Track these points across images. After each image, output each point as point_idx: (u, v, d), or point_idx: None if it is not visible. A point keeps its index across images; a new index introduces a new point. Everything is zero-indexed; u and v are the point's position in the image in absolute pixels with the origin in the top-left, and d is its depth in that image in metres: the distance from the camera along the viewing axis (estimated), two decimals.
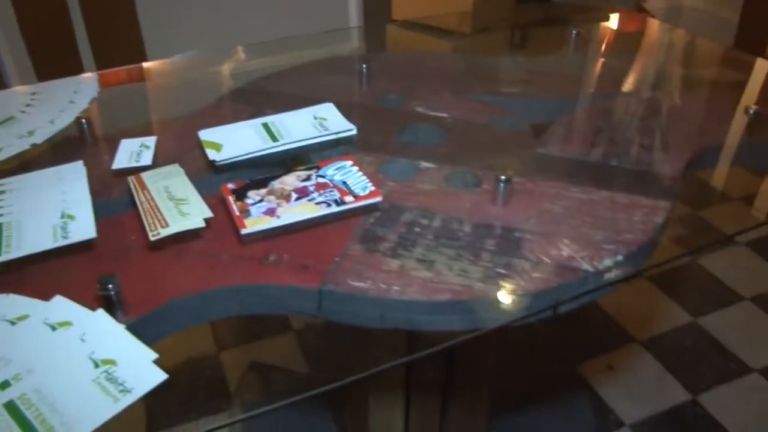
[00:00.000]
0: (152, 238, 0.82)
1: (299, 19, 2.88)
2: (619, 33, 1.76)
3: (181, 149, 1.07)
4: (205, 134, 1.06)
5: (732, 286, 2.02)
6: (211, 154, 1.01)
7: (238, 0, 2.73)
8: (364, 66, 1.37)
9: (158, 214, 0.86)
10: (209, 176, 0.99)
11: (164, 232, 0.82)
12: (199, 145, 1.06)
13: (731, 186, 1.49)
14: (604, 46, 1.62)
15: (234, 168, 1.01)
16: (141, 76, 1.50)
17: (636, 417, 1.60)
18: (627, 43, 1.69)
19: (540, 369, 1.74)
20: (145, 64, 1.55)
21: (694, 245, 1.50)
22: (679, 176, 1.01)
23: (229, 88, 1.37)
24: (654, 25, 1.83)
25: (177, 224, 0.84)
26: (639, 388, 1.67)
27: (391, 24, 2.79)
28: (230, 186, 0.91)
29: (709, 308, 1.93)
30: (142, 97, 1.40)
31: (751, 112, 1.18)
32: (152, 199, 0.89)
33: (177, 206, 0.87)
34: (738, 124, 1.19)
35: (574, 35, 1.62)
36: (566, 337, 1.82)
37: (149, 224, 0.84)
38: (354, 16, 2.97)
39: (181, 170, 0.97)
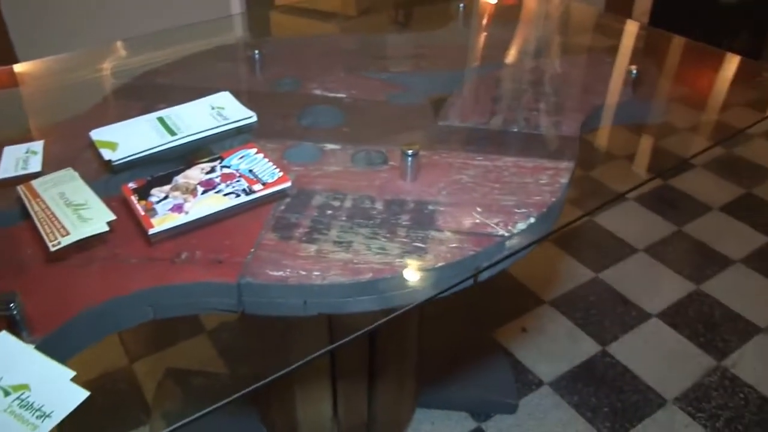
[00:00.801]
0: (53, 249, 0.77)
1: (179, 9, 2.78)
2: (500, 4, 1.80)
3: (73, 152, 1.01)
4: (98, 134, 1.01)
5: (626, 239, 2.12)
6: (107, 154, 0.96)
7: None
8: (255, 52, 1.34)
9: (56, 222, 0.81)
10: (107, 177, 0.94)
11: (65, 241, 0.78)
12: (92, 146, 1.00)
13: (617, 145, 1.56)
14: (487, 18, 1.65)
15: (132, 166, 0.96)
16: (13, 79, 1.41)
17: (553, 375, 1.66)
18: (509, 13, 1.74)
19: (459, 338, 1.77)
20: (17, 67, 1.45)
21: (590, 205, 1.57)
22: (575, 137, 1.04)
23: (115, 85, 1.31)
24: None
25: (78, 231, 0.79)
26: (553, 347, 1.74)
27: (274, 10, 2.75)
28: (131, 185, 0.87)
29: (608, 262, 2.02)
30: (19, 102, 1.31)
31: (633, 73, 1.24)
32: (47, 207, 0.84)
33: (76, 212, 0.83)
34: (621, 84, 1.24)
35: (461, 8, 1.64)
36: (480, 305, 1.86)
37: (47, 234, 0.79)
38: (236, 2, 2.90)
39: (75, 174, 0.92)
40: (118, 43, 1.56)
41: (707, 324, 1.80)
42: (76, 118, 1.16)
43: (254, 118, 1.05)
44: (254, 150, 0.93)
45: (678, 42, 1.63)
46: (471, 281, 0.80)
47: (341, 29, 2.37)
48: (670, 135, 1.35)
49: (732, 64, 1.50)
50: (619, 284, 1.93)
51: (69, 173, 0.92)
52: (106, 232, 0.81)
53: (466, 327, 1.81)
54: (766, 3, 2.85)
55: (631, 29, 1.73)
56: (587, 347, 1.73)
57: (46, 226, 0.81)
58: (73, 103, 1.26)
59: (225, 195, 0.84)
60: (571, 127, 1.07)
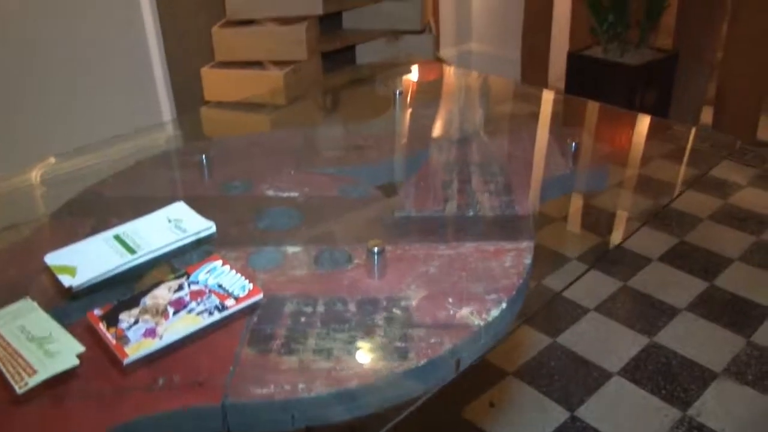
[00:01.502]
0: (20, 391, 0.74)
1: (111, 119, 2.77)
2: (430, 85, 1.87)
3: (26, 279, 0.98)
4: (53, 258, 0.98)
5: (575, 300, 2.16)
6: (66, 280, 0.93)
7: (39, 107, 2.58)
8: (202, 156, 1.34)
9: (21, 360, 0.78)
10: (68, 304, 0.92)
11: (33, 381, 0.75)
12: (47, 270, 0.97)
13: (563, 211, 1.61)
14: (421, 101, 1.71)
15: (93, 290, 0.94)
16: None
17: None
18: (440, 93, 1.80)
19: (428, 421, 1.75)
20: None
21: (539, 270, 1.60)
22: (528, 215, 1.08)
23: (59, 201, 1.28)
24: (459, 74, 1.96)
25: (46, 368, 0.76)
26: (523, 419, 1.74)
27: (205, 107, 2.76)
28: (97, 312, 0.85)
29: (563, 326, 2.06)
30: None
31: (570, 144, 1.29)
32: (9, 344, 0.81)
33: (41, 347, 0.80)
34: (560, 156, 1.30)
35: (397, 95, 1.68)
36: (445, 384, 1.85)
37: (12, 375, 0.76)
38: (165, 103, 2.91)
39: (34, 304, 0.89)
40: (51, 159, 1.54)
41: (666, 376, 1.84)
42: (24, 240, 1.13)
43: (213, 228, 1.04)
44: (220, 262, 0.93)
45: (597, 108, 1.71)
46: (452, 374, 0.80)
47: (272, 120, 2.41)
48: (607, 196, 1.41)
49: (645, 123, 1.60)
50: (577, 346, 1.96)
51: (27, 304, 0.89)
52: (76, 365, 0.78)
53: (435, 408, 1.80)
54: (667, 63, 3.04)
55: (555, 99, 1.82)
56: (557, 414, 1.73)
57: (9, 366, 0.78)
58: (14, 225, 1.23)
59: (197, 314, 0.83)
60: (523, 206, 1.10)
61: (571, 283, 1.08)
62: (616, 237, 1.98)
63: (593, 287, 2.22)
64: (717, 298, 2.16)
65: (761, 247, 2.41)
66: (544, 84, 3.72)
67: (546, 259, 1.09)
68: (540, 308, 0.94)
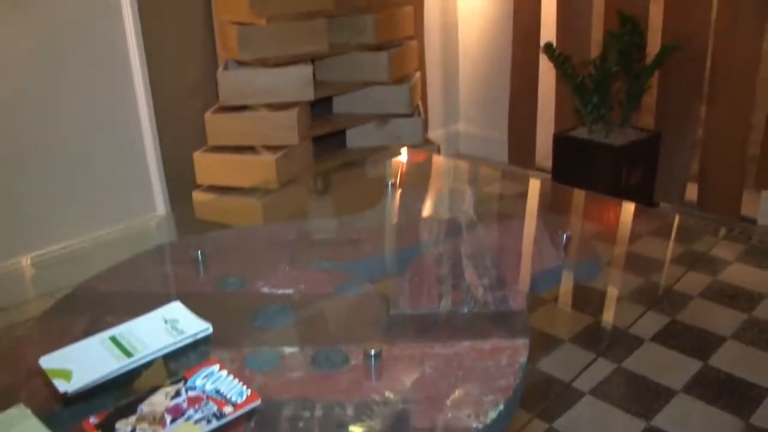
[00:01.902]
0: None
1: (99, 199, 2.79)
2: (420, 175, 1.91)
3: (18, 383, 0.98)
4: (49, 361, 0.98)
5: (571, 382, 2.15)
6: (61, 385, 0.93)
7: (32, 194, 2.60)
8: (198, 252, 1.35)
9: None
10: (62, 411, 0.91)
11: None
12: (41, 373, 0.97)
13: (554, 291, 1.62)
14: (412, 192, 1.74)
15: (89, 395, 0.93)
16: None
17: None
18: (430, 184, 1.83)
19: None
20: None
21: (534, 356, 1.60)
22: (522, 310, 1.09)
23: (52, 296, 1.29)
24: (448, 163, 2.01)
25: None
26: None
27: (197, 190, 2.80)
28: (92, 420, 0.84)
29: (558, 410, 2.04)
30: None
31: (564, 237, 1.32)
32: None
33: None
34: (552, 248, 1.32)
35: (389, 185, 1.72)
36: None
37: None
38: (157, 184, 2.94)
39: (28, 411, 0.88)
40: (44, 248, 1.55)
41: None
42: (19, 338, 1.13)
43: (210, 330, 1.05)
44: (217, 367, 0.93)
45: (584, 196, 1.75)
46: None
47: (266, 205, 2.44)
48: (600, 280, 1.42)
49: (631, 209, 1.64)
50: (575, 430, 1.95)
51: (20, 411, 0.89)
52: None
53: None
54: (650, 142, 3.11)
55: (545, 186, 1.86)
56: None
57: None
58: (11, 321, 1.23)
59: (195, 422, 0.83)
60: (517, 300, 1.12)
61: (579, 374, 1.09)
62: (608, 317, 2.00)
63: (588, 369, 2.21)
64: (712, 379, 2.15)
65: (753, 324, 2.42)
66: (531, 163, 3.79)
67: (540, 342, 1.10)
68: (542, 408, 0.94)
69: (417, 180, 1.79)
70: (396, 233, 1.44)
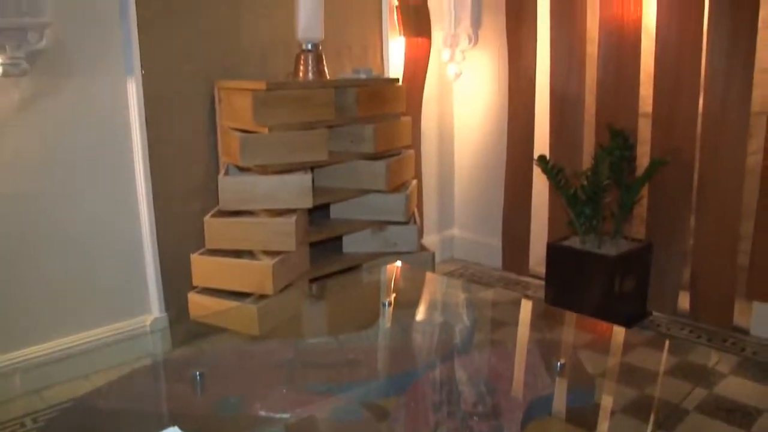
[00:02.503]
0: None
1: (98, 296, 2.80)
2: (416, 295, 1.93)
3: None
4: None
5: None
6: None
7: (28, 291, 2.61)
8: (196, 373, 1.35)
9: None
10: None
11: None
12: None
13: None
14: (408, 313, 1.76)
15: None
16: None
17: None
18: (426, 304, 1.86)
19: None
20: None
21: None
22: None
23: (53, 411, 1.28)
24: (442, 281, 2.04)
25: None
26: None
27: (192, 292, 2.81)
28: None
29: None
30: None
31: (558, 365, 1.33)
32: None
33: None
34: (547, 375, 1.33)
35: (385, 305, 1.74)
36: None
37: None
38: (153, 285, 2.95)
39: None
40: (40, 352, 1.54)
41: None
42: None
43: None
44: None
45: (575, 319, 1.77)
46: None
47: (260, 309, 2.44)
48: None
49: (622, 334, 1.65)
50: None
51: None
52: None
53: None
54: (642, 252, 3.16)
55: (538, 309, 1.88)
56: None
57: None
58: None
59: None
60: (513, 429, 1.12)
61: None
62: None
63: None
64: None
65: None
66: (525, 269, 3.83)
67: None
68: None
69: (412, 299, 1.82)
70: (391, 356, 1.45)
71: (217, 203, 2.80)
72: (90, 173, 2.72)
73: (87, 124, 2.69)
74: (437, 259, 3.86)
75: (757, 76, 2.92)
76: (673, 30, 3.09)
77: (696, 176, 3.13)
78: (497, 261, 3.92)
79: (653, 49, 3.17)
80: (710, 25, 2.99)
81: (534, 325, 1.69)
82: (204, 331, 2.34)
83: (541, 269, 3.40)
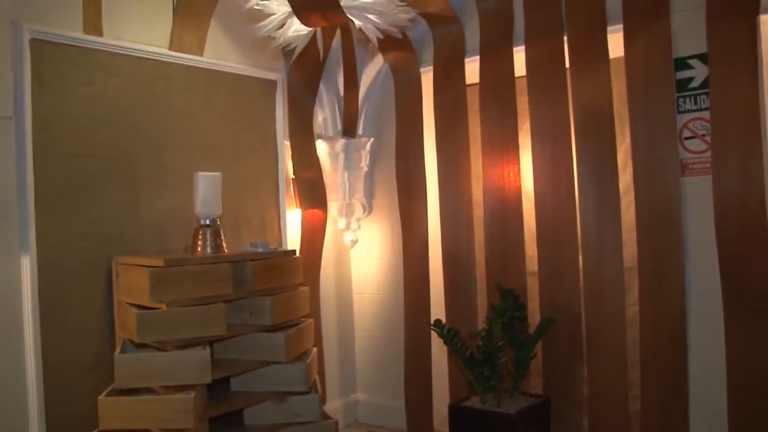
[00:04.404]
0: None
1: None
2: None
3: None
4: None
5: None
6: None
7: None
8: None
9: None
10: None
11: None
12: None
13: None
14: None
15: None
16: None
17: None
18: None
19: None
20: None
21: None
22: None
23: None
24: None
25: None
26: None
27: None
28: None
29: None
30: None
31: None
32: None
33: None
34: None
35: None
36: None
37: None
38: None
39: None
40: None
41: None
42: None
43: None
44: None
45: None
46: None
47: None
48: None
49: None
50: None
51: None
52: None
53: None
54: (541, 407, 3.25)
55: None
56: None
57: None
58: None
59: None
60: None
61: None
62: None
63: None
64: None
65: None
66: (429, 429, 3.82)
67: None
68: None
69: None
70: None
71: (113, 380, 2.72)
72: None
73: None
74: (341, 424, 3.81)
75: (625, 236, 3.20)
76: (548, 195, 3.39)
77: (584, 328, 3.30)
78: (402, 423, 3.90)
79: (534, 212, 3.44)
80: (580, 191, 3.29)
81: None
82: None
83: (446, 429, 3.42)
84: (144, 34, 3.21)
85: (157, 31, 3.27)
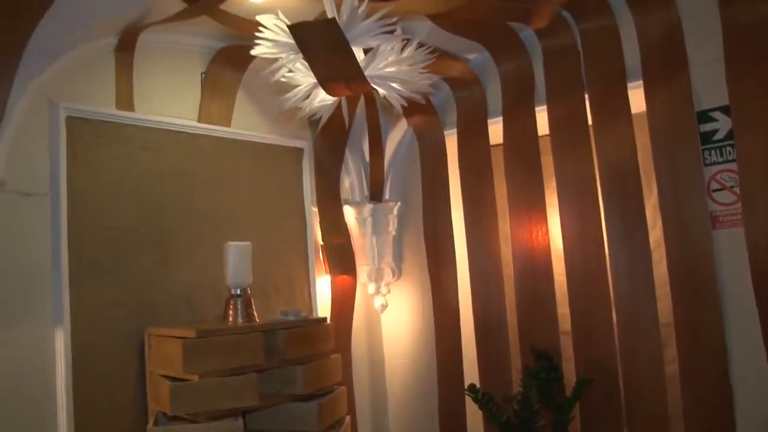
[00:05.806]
0: None
1: None
2: None
3: None
4: None
5: None
6: None
7: None
8: None
9: None
10: None
11: None
12: None
13: None
14: None
15: None
16: None
17: None
18: None
19: None
20: None
21: None
22: None
23: None
24: None
25: None
26: None
27: None
28: None
29: None
30: None
31: None
32: None
33: None
34: None
35: None
36: None
37: None
38: None
39: None
40: None
41: None
42: None
43: None
44: None
45: None
46: None
47: None
48: None
49: None
50: None
51: None
52: None
53: None
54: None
55: None
56: None
57: None
58: None
59: None
60: None
61: None
62: None
63: None
64: None
65: None
66: None
67: None
68: None
69: None
70: None
71: None
72: (9, 419, 2.60)
73: (10, 371, 2.63)
74: None
75: (658, 290, 3.15)
76: (578, 253, 3.35)
77: (622, 388, 3.21)
78: None
79: (564, 269, 3.40)
80: (610, 247, 3.26)
81: None
82: None
83: None
84: (173, 107, 3.30)
85: (186, 105, 3.36)
